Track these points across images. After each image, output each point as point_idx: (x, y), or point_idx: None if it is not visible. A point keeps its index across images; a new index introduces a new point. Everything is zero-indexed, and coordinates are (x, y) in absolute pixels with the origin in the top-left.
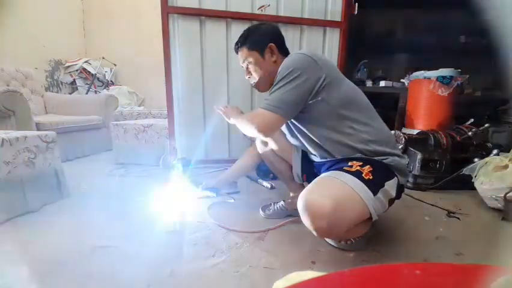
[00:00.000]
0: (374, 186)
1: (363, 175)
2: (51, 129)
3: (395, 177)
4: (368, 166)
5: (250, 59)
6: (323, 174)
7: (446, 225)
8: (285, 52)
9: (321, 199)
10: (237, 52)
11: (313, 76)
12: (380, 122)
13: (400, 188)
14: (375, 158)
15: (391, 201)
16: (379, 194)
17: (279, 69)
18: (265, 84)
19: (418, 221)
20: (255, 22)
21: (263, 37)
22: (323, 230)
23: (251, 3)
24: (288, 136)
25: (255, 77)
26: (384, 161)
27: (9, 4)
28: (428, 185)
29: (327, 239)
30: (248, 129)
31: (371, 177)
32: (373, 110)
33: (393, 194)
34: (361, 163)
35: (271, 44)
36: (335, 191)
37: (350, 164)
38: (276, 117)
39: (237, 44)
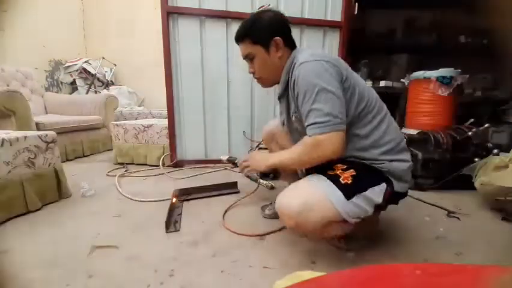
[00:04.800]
0: (350, 190)
1: (340, 179)
2: (51, 129)
3: (384, 183)
4: (352, 170)
5: (254, 53)
6: (305, 177)
7: (446, 225)
8: (291, 45)
9: (289, 201)
10: (237, 43)
11: (335, 75)
12: (387, 125)
13: (396, 195)
14: (366, 162)
15: (380, 207)
16: (355, 199)
17: (301, 86)
18: (269, 80)
19: (418, 221)
20: None
21: (268, 29)
22: (293, 227)
23: (251, 3)
24: (291, 140)
25: (258, 73)
26: (376, 165)
27: (9, 4)
28: (428, 185)
29: (327, 239)
30: (314, 162)
31: (348, 182)
32: (383, 110)
33: (379, 200)
34: (345, 166)
35: (277, 37)
36: (305, 194)
37: (333, 167)
38: (337, 134)
39: (238, 34)
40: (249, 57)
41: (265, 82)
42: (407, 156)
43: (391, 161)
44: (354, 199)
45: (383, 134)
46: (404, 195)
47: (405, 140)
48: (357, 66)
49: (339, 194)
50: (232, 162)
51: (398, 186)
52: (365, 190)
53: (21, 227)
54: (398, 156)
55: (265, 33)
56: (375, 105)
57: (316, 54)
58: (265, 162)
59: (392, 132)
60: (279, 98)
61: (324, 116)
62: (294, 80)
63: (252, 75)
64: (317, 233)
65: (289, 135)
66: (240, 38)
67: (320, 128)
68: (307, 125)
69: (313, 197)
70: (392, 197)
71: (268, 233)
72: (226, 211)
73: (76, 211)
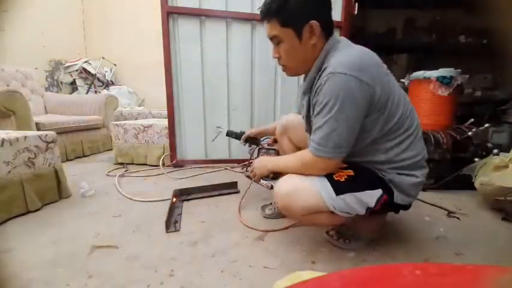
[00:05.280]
0: (341, 187)
1: (334, 175)
2: (51, 129)
3: (381, 190)
4: (350, 170)
5: (281, 37)
6: None
7: (446, 225)
8: (329, 30)
9: (282, 184)
10: (262, 20)
11: (361, 100)
12: (411, 141)
13: (396, 205)
14: (371, 168)
15: (376, 211)
16: (344, 196)
17: (321, 97)
18: (297, 71)
19: (418, 221)
20: (255, 22)
21: (305, 10)
22: (281, 207)
23: (251, 3)
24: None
25: (284, 60)
26: (380, 172)
27: (9, 4)
28: (428, 185)
29: (327, 239)
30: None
31: (341, 180)
32: (414, 124)
33: (370, 203)
34: (345, 165)
35: (314, 21)
36: (297, 181)
37: None
38: (333, 161)
39: (265, 11)
40: (274, 40)
41: (291, 71)
42: (419, 173)
43: (399, 174)
44: (343, 196)
45: (401, 152)
46: (405, 207)
47: (426, 155)
48: None
49: (328, 187)
50: (235, 137)
51: (398, 197)
52: (357, 191)
53: (21, 227)
54: (409, 171)
55: (300, 15)
56: (406, 119)
57: (350, 64)
58: (266, 167)
59: (414, 149)
60: (303, 93)
61: (329, 141)
62: (318, 87)
63: (277, 62)
64: (306, 218)
65: (306, 127)
66: (266, 17)
67: (321, 151)
68: (312, 139)
69: (301, 185)
70: (390, 206)
71: (283, 228)
72: (240, 203)
73: (76, 211)
